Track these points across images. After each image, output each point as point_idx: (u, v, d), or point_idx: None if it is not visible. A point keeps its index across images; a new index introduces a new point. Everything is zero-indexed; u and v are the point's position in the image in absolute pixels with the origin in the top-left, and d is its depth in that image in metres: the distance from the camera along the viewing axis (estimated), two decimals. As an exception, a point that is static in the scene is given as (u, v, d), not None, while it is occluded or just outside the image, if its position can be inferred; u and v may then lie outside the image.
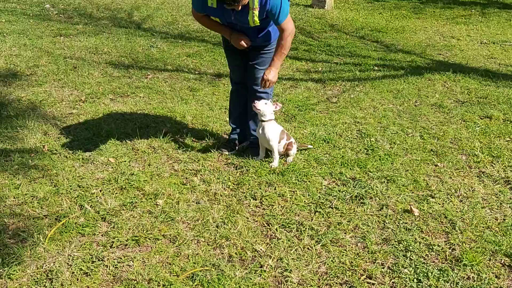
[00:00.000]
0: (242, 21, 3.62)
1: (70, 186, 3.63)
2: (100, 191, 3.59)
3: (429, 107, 5.36)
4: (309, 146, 4.29)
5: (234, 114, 4.32)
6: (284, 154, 4.09)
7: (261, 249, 3.03)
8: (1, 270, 2.77)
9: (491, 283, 2.77)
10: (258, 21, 3.57)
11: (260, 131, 3.93)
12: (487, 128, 4.80)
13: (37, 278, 2.74)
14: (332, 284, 2.77)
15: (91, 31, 8.16)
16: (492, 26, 9.66)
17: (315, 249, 3.03)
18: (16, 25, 8.24)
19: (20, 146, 4.19)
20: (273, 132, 3.91)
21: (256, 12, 3.51)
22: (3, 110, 4.88)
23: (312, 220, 3.33)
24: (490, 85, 6.07)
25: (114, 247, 3.01)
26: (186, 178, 3.80)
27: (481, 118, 5.06)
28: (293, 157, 4.10)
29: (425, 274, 2.82)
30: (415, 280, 2.79)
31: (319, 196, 3.60)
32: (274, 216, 3.36)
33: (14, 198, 3.47)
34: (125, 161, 4.01)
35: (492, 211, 3.48)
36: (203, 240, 3.10)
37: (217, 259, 2.92)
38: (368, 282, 2.78)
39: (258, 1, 3.46)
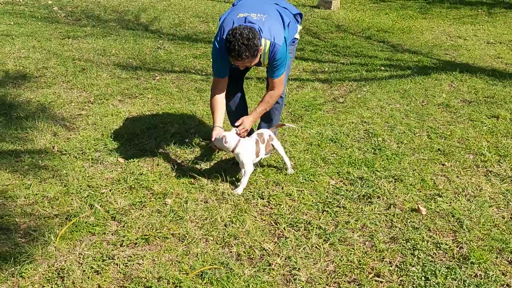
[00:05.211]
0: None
1: (80, 186, 3.68)
2: (110, 190, 3.63)
3: (436, 107, 5.37)
4: (291, 125, 4.19)
5: (233, 115, 4.22)
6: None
7: (269, 248, 3.05)
8: (13, 268, 2.81)
9: (498, 281, 2.78)
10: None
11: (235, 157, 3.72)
12: (494, 128, 4.80)
13: (49, 277, 2.78)
14: (340, 282, 2.79)
15: (99, 33, 8.23)
16: (498, 26, 9.63)
17: (323, 248, 3.05)
18: (25, 28, 8.32)
19: (30, 147, 4.24)
20: (246, 153, 3.64)
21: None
22: (13, 112, 4.94)
23: (320, 219, 3.35)
24: (497, 85, 6.07)
25: (124, 246, 3.05)
26: (194, 177, 3.83)
27: (488, 118, 5.06)
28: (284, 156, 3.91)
29: (433, 272, 2.84)
30: (423, 278, 2.80)
31: (326, 196, 3.62)
32: (282, 215, 3.38)
33: (25, 198, 3.51)
34: (134, 161, 4.04)
35: (499, 210, 3.48)
36: (212, 238, 3.13)
37: (225, 258, 2.95)
38: (376, 280, 2.80)
39: (268, 59, 3.61)
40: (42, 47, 7.24)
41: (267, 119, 4.14)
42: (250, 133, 3.90)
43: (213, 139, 3.65)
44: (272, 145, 3.83)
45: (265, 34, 3.51)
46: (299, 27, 4.04)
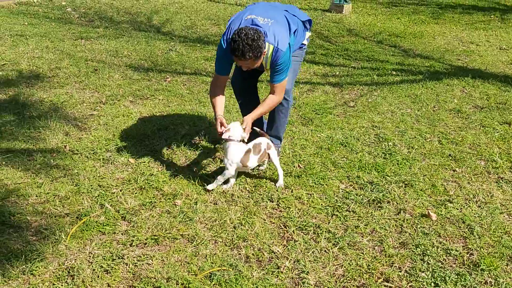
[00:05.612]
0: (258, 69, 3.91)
1: (91, 185, 3.70)
2: (120, 190, 3.65)
3: (448, 112, 5.34)
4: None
5: (247, 108, 4.16)
6: (261, 163, 3.89)
7: (278, 251, 3.06)
8: (24, 266, 2.84)
9: (509, 289, 2.76)
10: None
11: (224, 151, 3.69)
12: (506, 134, 4.77)
13: (59, 275, 2.81)
14: (349, 287, 2.78)
15: (112, 35, 8.29)
16: (511, 32, 9.56)
17: (332, 252, 3.05)
18: (39, 28, 8.40)
19: (42, 146, 4.28)
20: (234, 152, 3.61)
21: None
22: (26, 111, 4.99)
23: (329, 223, 3.34)
24: (509, 91, 6.02)
25: (133, 246, 3.06)
26: (204, 179, 3.84)
27: (500, 124, 5.03)
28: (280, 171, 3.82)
29: (443, 278, 2.82)
30: (432, 284, 2.79)
31: (336, 200, 3.61)
32: (291, 218, 3.38)
33: (36, 196, 3.55)
34: (144, 162, 4.07)
35: (510, 217, 3.46)
36: (221, 240, 3.14)
37: (234, 260, 2.96)
38: (385, 285, 2.79)
39: (270, 64, 3.66)
40: (55, 47, 7.30)
41: (271, 123, 4.14)
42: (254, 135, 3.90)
43: (221, 128, 3.65)
44: (268, 154, 3.76)
45: (269, 39, 3.55)
46: (308, 34, 4.05)
